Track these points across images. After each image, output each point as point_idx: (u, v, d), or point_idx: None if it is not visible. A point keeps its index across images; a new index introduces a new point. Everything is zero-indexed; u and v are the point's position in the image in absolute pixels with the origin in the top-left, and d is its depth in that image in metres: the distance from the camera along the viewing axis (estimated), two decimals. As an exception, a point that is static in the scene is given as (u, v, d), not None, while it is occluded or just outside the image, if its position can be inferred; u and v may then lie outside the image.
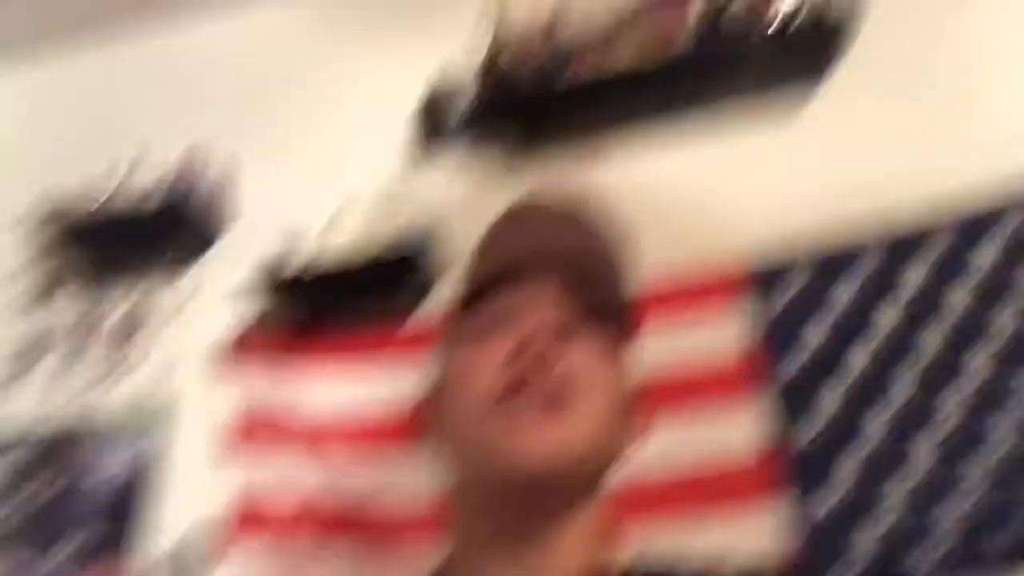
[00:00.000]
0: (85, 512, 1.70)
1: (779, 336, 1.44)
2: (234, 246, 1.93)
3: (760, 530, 1.29)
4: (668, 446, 1.35)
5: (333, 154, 1.92)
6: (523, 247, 0.68)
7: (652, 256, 1.48)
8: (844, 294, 1.45)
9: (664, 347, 1.44)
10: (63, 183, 2.00)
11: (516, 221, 0.73)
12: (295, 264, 1.74)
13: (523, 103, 1.72)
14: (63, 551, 1.67)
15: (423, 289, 1.67)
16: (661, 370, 1.41)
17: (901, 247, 1.45)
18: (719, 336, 1.46)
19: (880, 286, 1.44)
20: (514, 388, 0.63)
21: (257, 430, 1.62)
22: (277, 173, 1.96)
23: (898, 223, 1.46)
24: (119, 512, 1.68)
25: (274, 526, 1.53)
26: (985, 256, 1.41)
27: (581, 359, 0.66)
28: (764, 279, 1.49)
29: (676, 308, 1.49)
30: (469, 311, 0.68)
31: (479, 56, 1.74)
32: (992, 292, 1.38)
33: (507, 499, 0.64)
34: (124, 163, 1.97)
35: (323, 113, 1.99)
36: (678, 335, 1.47)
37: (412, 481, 1.43)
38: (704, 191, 1.60)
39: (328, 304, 1.73)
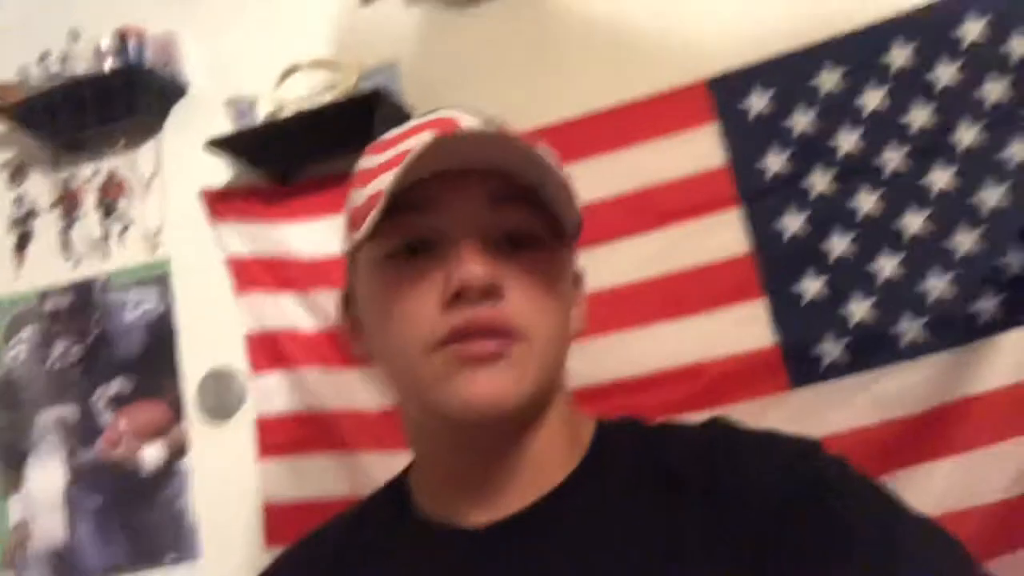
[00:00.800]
0: (117, 357, 1.93)
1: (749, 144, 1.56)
2: (192, 109, 2.00)
3: (750, 323, 1.49)
4: (661, 254, 1.56)
5: (274, 9, 1.94)
6: (443, 163, 0.60)
7: (617, 80, 1.65)
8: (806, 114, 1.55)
9: (643, 165, 1.60)
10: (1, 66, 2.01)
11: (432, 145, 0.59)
12: (256, 120, 1.82)
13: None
14: (105, 389, 1.92)
15: (394, 123, 1.76)
16: (642, 186, 1.58)
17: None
18: (692, 152, 1.59)
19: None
20: (457, 334, 0.59)
21: (256, 276, 1.81)
22: (218, 40, 1.99)
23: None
24: (150, 355, 1.91)
25: (289, 359, 1.75)
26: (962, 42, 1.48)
27: (520, 287, 0.61)
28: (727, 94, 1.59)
29: (651, 123, 1.62)
30: (388, 235, 0.62)
31: None
32: (979, 68, 1.47)
33: (463, 436, 0.64)
34: (59, 47, 1.98)
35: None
36: (655, 154, 1.60)
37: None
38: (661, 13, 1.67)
39: (300, 151, 1.84)
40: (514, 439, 0.65)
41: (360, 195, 0.65)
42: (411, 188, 0.59)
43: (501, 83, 1.75)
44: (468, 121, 0.65)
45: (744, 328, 1.50)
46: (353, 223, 0.66)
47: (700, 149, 1.58)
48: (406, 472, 0.75)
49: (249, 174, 1.91)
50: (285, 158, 1.87)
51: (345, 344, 0.74)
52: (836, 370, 1.46)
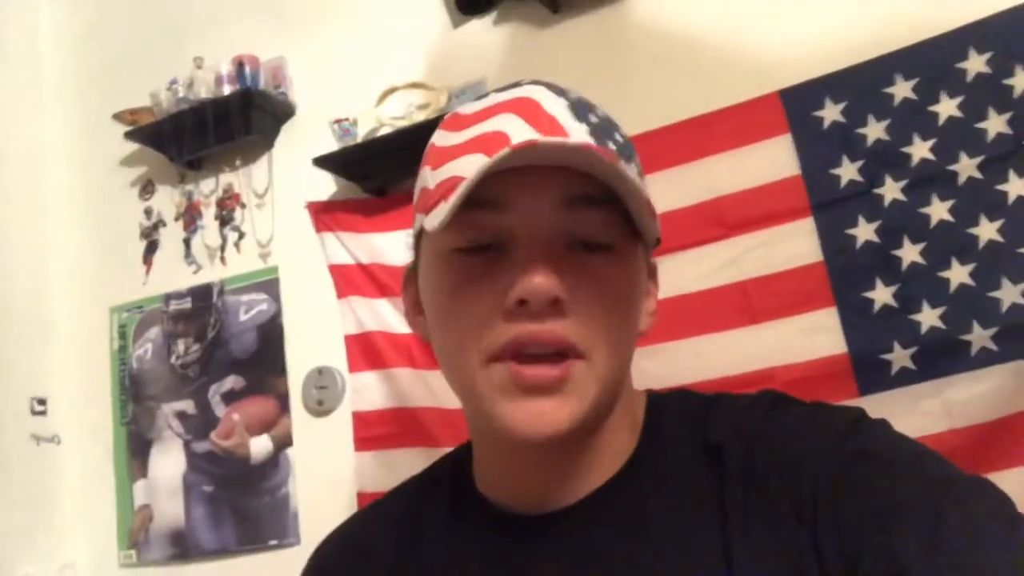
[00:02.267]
0: (232, 356, 2.12)
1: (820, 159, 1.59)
2: (300, 129, 2.18)
3: (822, 331, 1.53)
4: (735, 262, 1.61)
5: (372, 36, 2.10)
6: (521, 159, 0.56)
7: (693, 92, 1.72)
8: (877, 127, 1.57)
9: (718, 175, 1.66)
10: (133, 91, 2.25)
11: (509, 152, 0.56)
12: (356, 139, 1.97)
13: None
14: (220, 385, 2.11)
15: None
16: (716, 195, 1.64)
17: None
18: (766, 162, 1.63)
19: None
20: (516, 346, 0.58)
21: (355, 283, 1.96)
22: (322, 64, 2.17)
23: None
24: (261, 354, 2.09)
25: (384, 360, 1.89)
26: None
27: (586, 300, 0.59)
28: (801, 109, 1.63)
29: (723, 138, 1.67)
30: (457, 228, 0.59)
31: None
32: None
33: (518, 446, 0.62)
34: (184, 74, 2.19)
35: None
36: (730, 164, 1.66)
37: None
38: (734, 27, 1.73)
39: (396, 166, 1.97)
40: (572, 445, 0.63)
41: (432, 177, 0.63)
42: (484, 181, 0.56)
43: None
44: (550, 103, 0.61)
45: (815, 335, 1.53)
46: (423, 205, 0.64)
47: (773, 159, 1.62)
48: (463, 451, 0.75)
49: (350, 188, 2.06)
50: (383, 173, 2.01)
51: (408, 323, 0.73)
52: (905, 377, 1.46)
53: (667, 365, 1.60)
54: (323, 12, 2.17)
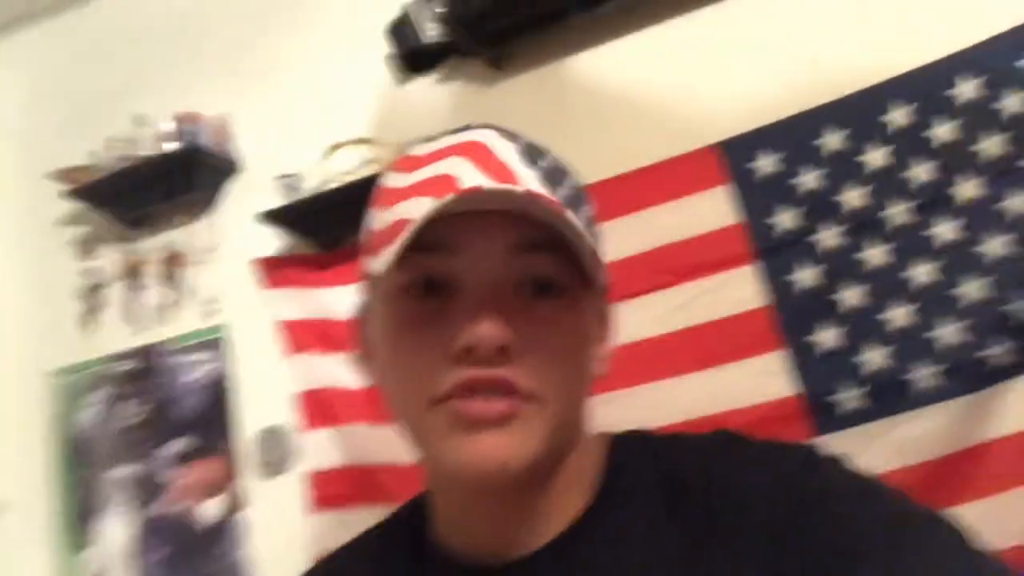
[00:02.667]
0: (179, 418, 2.06)
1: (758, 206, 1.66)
2: (245, 185, 2.17)
3: (770, 374, 1.57)
4: (681, 309, 1.65)
5: (319, 92, 2.11)
6: (469, 204, 0.57)
7: (634, 145, 1.77)
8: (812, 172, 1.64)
9: (661, 225, 1.70)
10: (73, 150, 2.21)
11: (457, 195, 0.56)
12: (303, 194, 1.97)
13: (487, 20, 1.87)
14: (168, 448, 2.06)
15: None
16: (660, 244, 1.68)
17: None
18: (707, 211, 1.69)
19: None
20: (459, 390, 0.57)
21: (305, 339, 1.94)
22: (268, 120, 2.16)
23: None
24: (208, 415, 2.04)
25: (337, 417, 1.87)
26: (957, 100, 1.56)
27: (535, 346, 0.59)
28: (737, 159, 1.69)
29: (666, 190, 1.72)
30: (404, 269, 0.58)
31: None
32: (975, 124, 1.55)
33: (473, 490, 0.62)
34: (125, 132, 2.17)
35: (302, 53, 2.15)
36: (672, 214, 1.71)
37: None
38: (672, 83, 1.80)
39: (344, 221, 1.96)
40: (529, 489, 0.62)
41: (380, 219, 0.63)
42: (432, 224, 0.55)
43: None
44: (501, 149, 0.61)
45: (766, 379, 1.57)
46: (371, 248, 0.63)
47: (714, 208, 1.68)
48: (421, 500, 0.74)
49: (298, 243, 2.06)
50: (330, 228, 2.00)
51: (357, 367, 0.72)
52: (857, 417, 1.52)
53: (623, 411, 1.59)
54: (269, 68, 2.17)
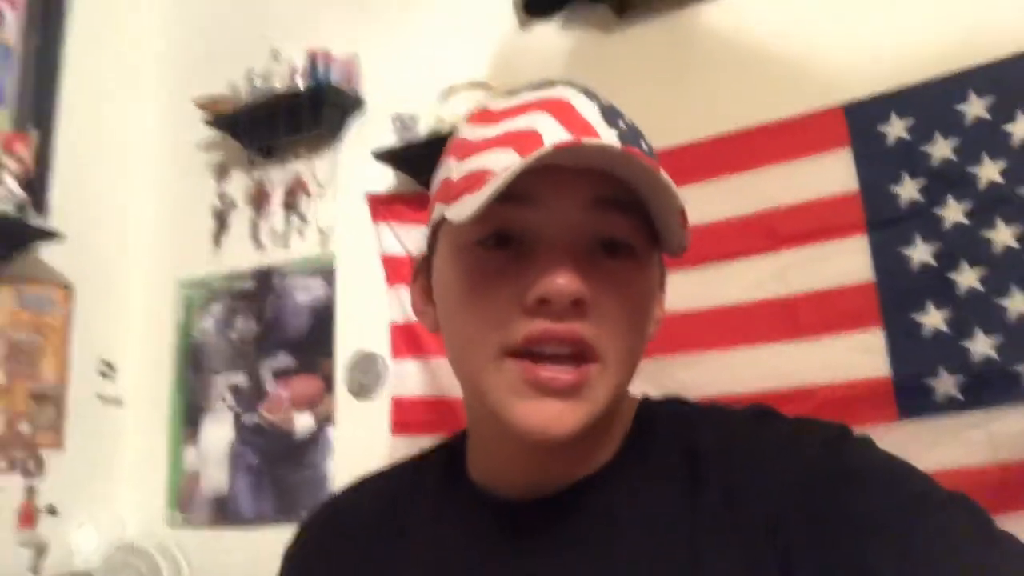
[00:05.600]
0: (285, 336, 2.19)
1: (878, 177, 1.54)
2: (366, 122, 2.24)
3: (865, 351, 1.47)
4: (780, 271, 1.56)
5: (442, 34, 2.14)
6: (552, 159, 0.55)
7: (754, 101, 1.70)
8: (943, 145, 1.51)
9: (772, 187, 1.61)
10: (213, 78, 2.36)
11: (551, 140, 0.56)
12: (417, 135, 2.02)
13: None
14: (272, 363, 2.19)
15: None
16: (768, 207, 1.60)
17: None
18: (822, 176, 1.59)
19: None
20: (531, 343, 0.57)
21: (404, 273, 2.00)
22: (393, 60, 2.22)
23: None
24: (311, 336, 2.15)
25: (424, 350, 1.92)
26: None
27: (606, 304, 0.59)
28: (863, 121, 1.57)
29: (786, 145, 1.63)
30: (480, 219, 0.57)
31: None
32: None
33: (518, 440, 0.62)
34: (262, 65, 2.29)
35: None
36: (789, 171, 1.62)
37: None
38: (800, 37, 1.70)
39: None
40: (569, 442, 0.62)
41: (458, 168, 0.62)
42: (515, 177, 0.55)
43: (643, 101, 1.82)
44: (583, 106, 0.60)
45: (859, 355, 1.48)
46: (444, 196, 0.63)
47: (831, 173, 1.58)
48: (459, 438, 0.76)
49: (408, 182, 2.11)
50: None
51: (416, 312, 0.73)
52: (950, 405, 1.40)
53: (704, 376, 1.57)
54: (398, 7, 2.23)
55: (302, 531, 0.80)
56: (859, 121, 1.58)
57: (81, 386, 2.18)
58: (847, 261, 1.53)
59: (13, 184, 1.95)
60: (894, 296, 1.48)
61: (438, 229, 0.66)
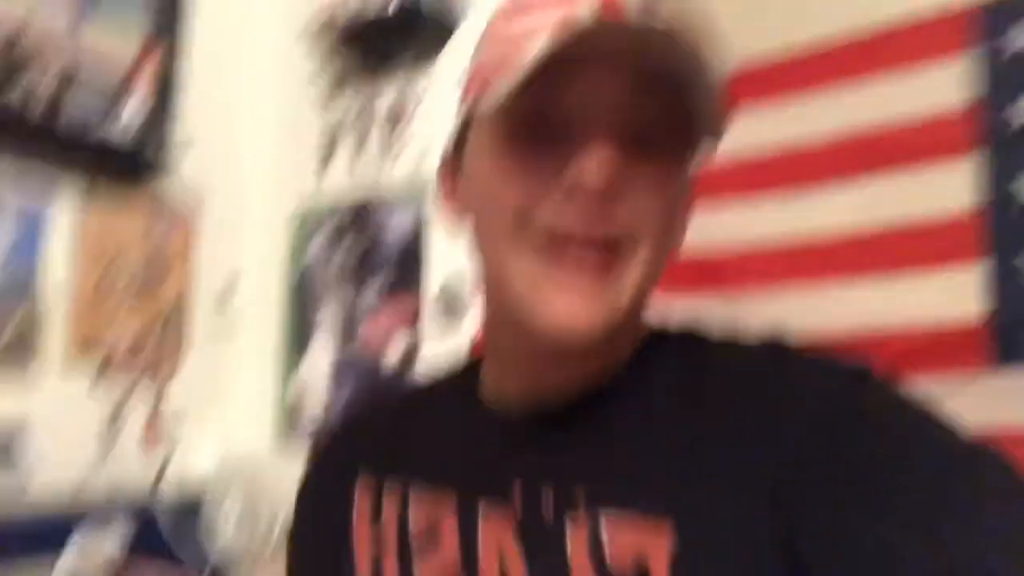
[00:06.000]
0: (382, 261, 2.26)
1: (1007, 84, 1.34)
2: (469, 44, 2.20)
3: (962, 290, 1.33)
4: (874, 199, 1.43)
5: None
6: (592, 40, 0.53)
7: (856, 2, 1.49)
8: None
9: (873, 101, 1.45)
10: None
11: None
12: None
13: None
14: (370, 289, 2.27)
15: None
16: (865, 124, 1.44)
17: None
18: (938, 83, 1.41)
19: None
20: (562, 231, 0.57)
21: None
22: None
23: None
24: (406, 261, 2.21)
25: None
26: None
27: (639, 200, 0.57)
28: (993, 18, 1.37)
29: (892, 53, 1.46)
30: (514, 103, 0.56)
31: None
32: None
33: (538, 344, 0.62)
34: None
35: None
36: (892, 83, 1.45)
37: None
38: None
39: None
40: (585, 350, 0.62)
41: (491, 52, 0.61)
42: (548, 57, 0.54)
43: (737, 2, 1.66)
44: None
45: (953, 295, 1.33)
46: (479, 81, 0.62)
47: (940, 88, 1.40)
48: (475, 363, 0.79)
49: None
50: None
51: (442, 208, 0.73)
52: (1061, 352, 1.24)
53: (784, 315, 1.48)
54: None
55: (309, 470, 0.86)
56: (983, 27, 1.38)
57: (199, 310, 2.35)
58: (948, 189, 1.37)
59: (137, 112, 2.08)
60: (999, 231, 1.31)
61: (467, 126, 0.67)
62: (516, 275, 0.60)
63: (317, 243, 2.42)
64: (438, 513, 0.68)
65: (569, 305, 0.57)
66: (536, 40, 0.54)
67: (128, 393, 2.10)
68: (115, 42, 2.05)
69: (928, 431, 0.54)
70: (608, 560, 0.57)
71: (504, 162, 0.60)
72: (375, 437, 0.81)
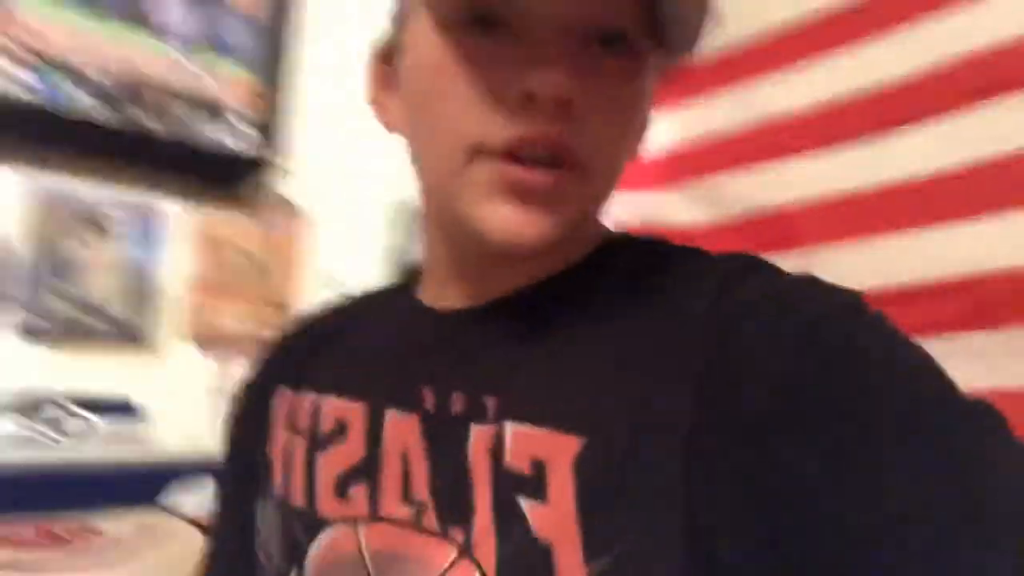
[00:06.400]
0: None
1: None
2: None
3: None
4: (956, 142, 1.25)
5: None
6: None
7: None
8: None
9: (968, 28, 1.25)
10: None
11: None
12: None
13: None
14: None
15: None
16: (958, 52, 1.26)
17: None
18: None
19: None
20: (513, 148, 0.52)
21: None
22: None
23: None
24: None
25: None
26: None
27: (598, 107, 0.52)
28: None
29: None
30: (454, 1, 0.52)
31: None
32: None
33: (477, 248, 0.60)
34: None
35: None
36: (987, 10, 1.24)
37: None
38: None
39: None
40: (537, 252, 0.58)
41: None
42: None
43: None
44: None
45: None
46: None
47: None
48: (416, 269, 0.77)
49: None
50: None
51: (373, 107, 0.68)
52: None
53: (865, 267, 1.33)
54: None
55: (237, 390, 0.87)
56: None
57: (307, 300, 2.47)
58: None
59: (241, 123, 2.25)
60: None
61: (406, 9, 0.61)
62: (461, 191, 0.56)
63: (416, 237, 2.47)
64: (347, 417, 0.67)
65: (518, 222, 0.53)
66: None
67: (237, 372, 2.24)
68: (227, 61, 2.22)
69: (921, 380, 0.46)
70: (507, 457, 0.55)
71: (447, 60, 0.54)
72: (298, 350, 0.80)
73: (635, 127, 0.59)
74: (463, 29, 0.53)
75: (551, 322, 0.60)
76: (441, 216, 0.64)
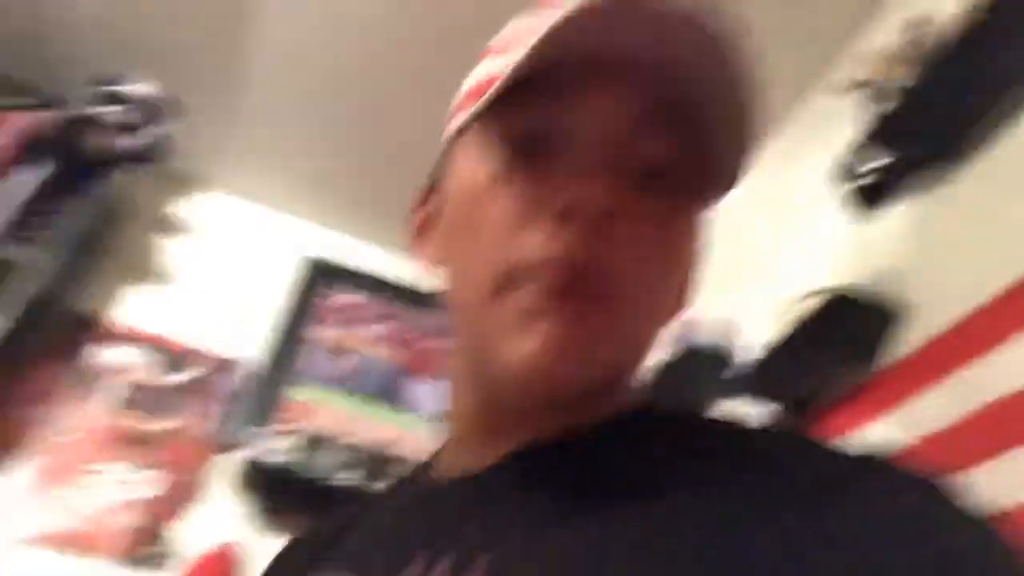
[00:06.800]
0: None
1: None
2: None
3: None
4: None
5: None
6: (597, 42, 0.46)
7: None
8: None
9: None
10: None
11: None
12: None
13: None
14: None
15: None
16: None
17: None
18: None
19: None
20: (548, 268, 0.47)
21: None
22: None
23: None
24: None
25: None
26: None
27: (639, 234, 0.48)
28: None
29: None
30: (502, 118, 0.49)
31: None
32: None
33: (498, 396, 0.54)
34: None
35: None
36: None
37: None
38: None
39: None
40: (548, 402, 0.52)
41: (488, 66, 0.54)
42: (547, 71, 0.47)
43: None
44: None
45: None
46: (468, 99, 0.55)
47: None
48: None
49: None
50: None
51: (413, 250, 0.63)
52: None
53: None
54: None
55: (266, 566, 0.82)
56: None
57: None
58: None
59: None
60: None
61: (453, 144, 0.58)
62: (490, 325, 0.50)
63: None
64: None
65: (552, 348, 0.47)
66: (536, 33, 0.47)
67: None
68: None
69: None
70: None
71: (489, 188, 0.51)
72: (326, 531, 0.76)
73: (679, 267, 0.54)
74: (511, 148, 0.51)
75: (558, 480, 0.52)
76: (467, 356, 0.57)
